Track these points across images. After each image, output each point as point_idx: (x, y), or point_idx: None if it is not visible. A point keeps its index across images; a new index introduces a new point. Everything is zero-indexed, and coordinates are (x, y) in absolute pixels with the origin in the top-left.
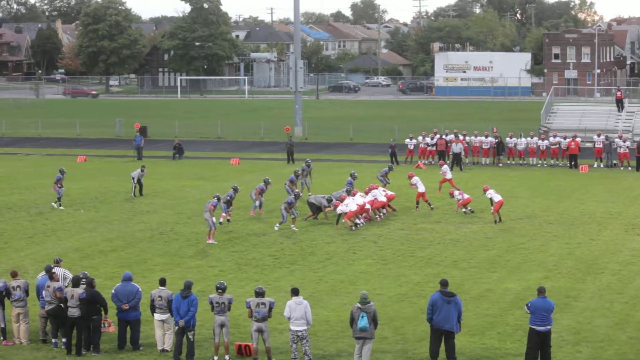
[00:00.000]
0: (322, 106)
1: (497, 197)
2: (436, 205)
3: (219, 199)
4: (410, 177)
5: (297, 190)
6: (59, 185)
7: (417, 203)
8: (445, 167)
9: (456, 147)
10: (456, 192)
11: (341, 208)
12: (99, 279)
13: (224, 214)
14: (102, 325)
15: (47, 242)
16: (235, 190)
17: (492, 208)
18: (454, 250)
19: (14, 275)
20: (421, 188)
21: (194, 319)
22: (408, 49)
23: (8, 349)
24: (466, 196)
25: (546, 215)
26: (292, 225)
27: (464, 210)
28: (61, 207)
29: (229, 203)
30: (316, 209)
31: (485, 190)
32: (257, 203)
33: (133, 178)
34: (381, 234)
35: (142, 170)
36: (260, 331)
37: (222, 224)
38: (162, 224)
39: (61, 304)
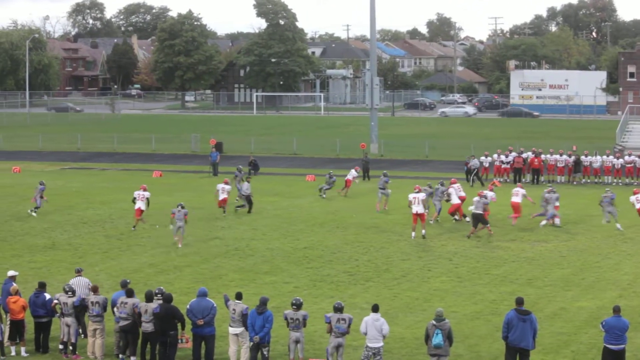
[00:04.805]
0: (397, 123)
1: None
2: (510, 222)
3: (182, 207)
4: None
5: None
6: (41, 196)
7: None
8: (452, 190)
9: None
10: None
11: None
12: (174, 294)
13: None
14: (180, 340)
15: (122, 257)
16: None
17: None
18: (528, 269)
19: (95, 290)
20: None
21: (268, 335)
22: (484, 66)
23: None
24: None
25: (620, 234)
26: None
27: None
28: (33, 214)
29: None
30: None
31: (489, 190)
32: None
33: (241, 192)
34: (456, 252)
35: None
36: (338, 346)
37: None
38: (237, 239)
39: (136, 321)
